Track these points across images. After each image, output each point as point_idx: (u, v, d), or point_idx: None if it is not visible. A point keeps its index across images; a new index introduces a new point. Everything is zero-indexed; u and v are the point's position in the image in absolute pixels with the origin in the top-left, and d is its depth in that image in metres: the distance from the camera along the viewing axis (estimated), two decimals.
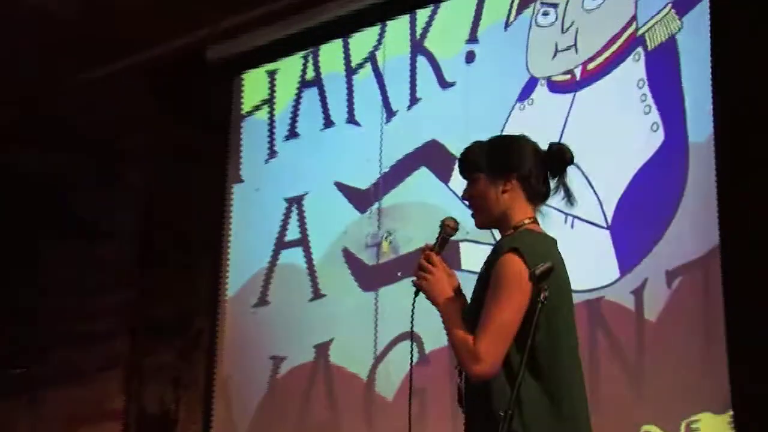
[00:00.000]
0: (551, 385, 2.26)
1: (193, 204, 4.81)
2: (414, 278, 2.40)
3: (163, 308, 4.78)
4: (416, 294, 2.40)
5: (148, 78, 5.06)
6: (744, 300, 3.16)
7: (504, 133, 3.81)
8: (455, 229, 2.45)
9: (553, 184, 2.44)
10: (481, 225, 2.46)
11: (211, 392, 4.54)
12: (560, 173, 2.43)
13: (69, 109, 5.29)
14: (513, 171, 2.40)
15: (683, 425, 3.21)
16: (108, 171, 5.19)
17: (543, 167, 2.42)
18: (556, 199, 3.59)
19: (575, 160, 3.45)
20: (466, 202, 2.46)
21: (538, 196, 2.42)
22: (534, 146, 2.44)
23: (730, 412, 3.11)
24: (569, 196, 2.44)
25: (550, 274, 2.25)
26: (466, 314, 2.34)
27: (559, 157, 2.43)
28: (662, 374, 3.30)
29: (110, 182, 5.15)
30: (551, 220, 3.50)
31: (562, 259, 2.38)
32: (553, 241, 2.41)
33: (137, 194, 5.02)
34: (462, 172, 2.49)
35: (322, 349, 4.23)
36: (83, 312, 5.04)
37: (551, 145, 2.46)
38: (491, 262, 2.33)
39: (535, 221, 2.42)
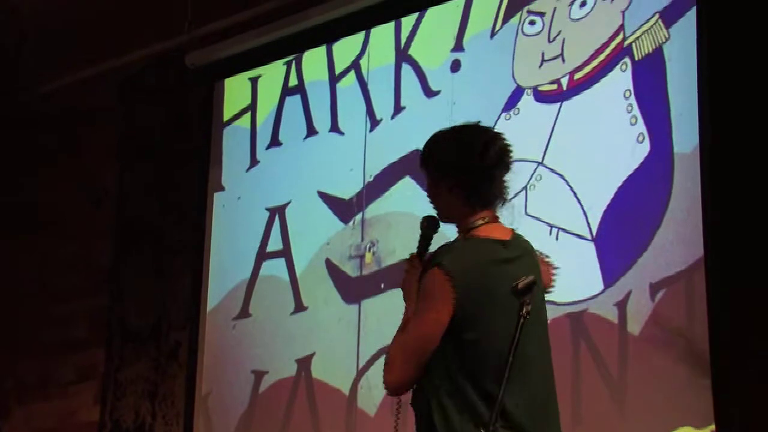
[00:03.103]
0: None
1: (173, 212, 4.75)
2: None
3: (140, 319, 4.72)
4: None
5: (127, 82, 5.02)
6: (728, 313, 3.12)
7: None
8: (429, 227, 2.41)
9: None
10: (442, 221, 2.42)
11: (190, 406, 4.47)
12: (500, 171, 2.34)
13: (45, 113, 5.26)
14: (455, 169, 2.33)
15: None
16: (85, 175, 5.14)
17: (489, 166, 2.33)
18: (538, 210, 3.61)
19: (563, 171, 3.48)
20: None
21: (487, 198, 2.34)
22: (487, 140, 2.34)
23: (712, 427, 3.07)
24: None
25: (532, 287, 2.23)
26: None
27: (494, 156, 2.34)
28: (644, 388, 3.25)
29: (86, 187, 5.10)
30: (536, 232, 3.52)
31: (508, 265, 2.29)
32: (498, 248, 2.30)
33: (114, 200, 4.96)
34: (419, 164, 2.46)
35: (304, 362, 4.17)
36: (55, 321, 4.98)
37: (489, 141, 2.35)
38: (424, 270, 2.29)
39: (490, 222, 2.33)
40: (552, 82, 3.71)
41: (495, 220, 2.35)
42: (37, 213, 5.25)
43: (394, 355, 2.25)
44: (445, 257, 2.24)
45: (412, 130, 4.06)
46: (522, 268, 2.30)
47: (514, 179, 3.60)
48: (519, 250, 2.34)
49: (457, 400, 2.21)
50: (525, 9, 3.83)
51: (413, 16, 4.16)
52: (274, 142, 4.53)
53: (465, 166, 2.32)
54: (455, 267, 2.22)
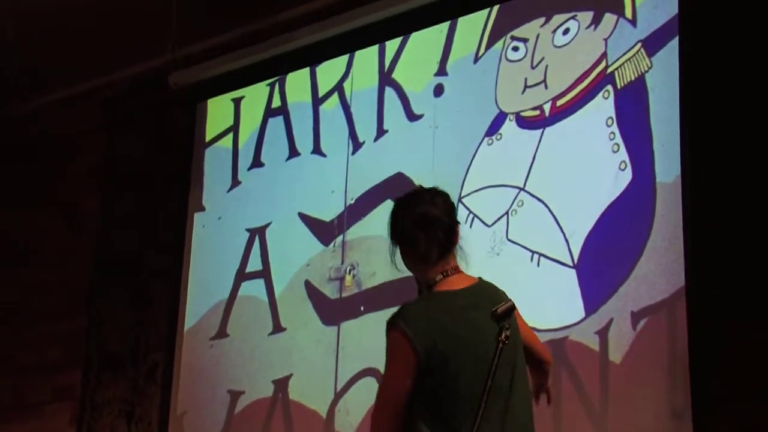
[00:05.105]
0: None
1: (153, 232, 4.73)
2: None
3: (118, 339, 4.68)
4: None
5: (108, 102, 5.00)
6: (709, 343, 3.12)
7: (469, 167, 3.80)
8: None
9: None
10: (417, 284, 2.52)
11: (165, 427, 4.43)
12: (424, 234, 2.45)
13: (24, 131, 5.23)
14: (394, 239, 2.49)
15: None
16: (63, 196, 5.10)
17: (409, 236, 2.45)
18: (520, 236, 3.61)
19: (544, 197, 3.50)
20: None
21: (427, 255, 2.43)
22: (404, 215, 2.47)
23: None
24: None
25: (511, 313, 2.27)
26: None
27: (409, 228, 2.47)
28: (626, 417, 3.25)
29: (64, 207, 5.06)
30: (517, 257, 3.52)
31: (468, 312, 2.36)
32: (454, 298, 2.39)
33: (91, 220, 4.93)
34: None
35: (281, 383, 4.15)
36: (31, 342, 4.93)
37: (405, 215, 2.48)
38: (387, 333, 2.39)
39: (451, 275, 2.42)
40: (534, 108, 3.72)
41: (456, 271, 2.44)
42: (16, 236, 5.21)
43: (372, 416, 2.36)
44: (401, 318, 2.35)
45: (395, 154, 4.07)
46: (483, 311, 2.35)
47: (496, 205, 3.67)
48: (477, 297, 2.40)
49: None
50: (509, 35, 3.85)
51: (397, 40, 4.18)
52: (256, 163, 4.52)
53: (396, 237, 2.49)
54: (411, 325, 2.32)
